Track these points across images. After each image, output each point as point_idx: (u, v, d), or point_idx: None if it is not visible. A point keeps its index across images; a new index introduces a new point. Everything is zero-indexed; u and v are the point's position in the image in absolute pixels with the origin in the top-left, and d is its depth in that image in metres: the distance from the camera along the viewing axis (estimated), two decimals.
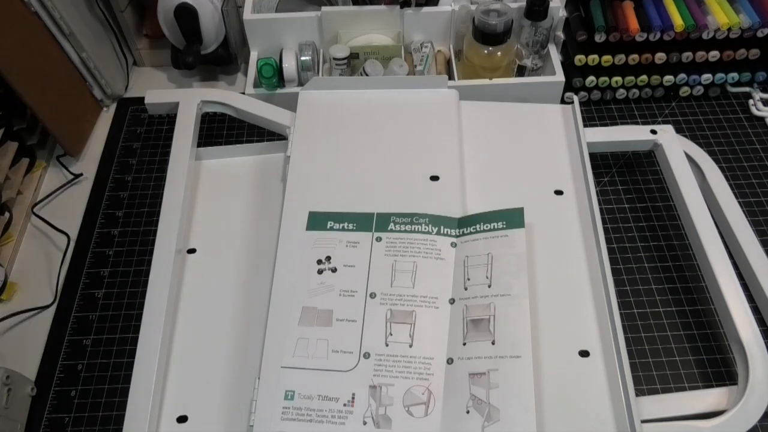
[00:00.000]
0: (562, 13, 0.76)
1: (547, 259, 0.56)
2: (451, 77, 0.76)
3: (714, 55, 0.75)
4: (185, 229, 0.61)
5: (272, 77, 0.72)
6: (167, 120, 0.80)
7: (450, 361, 0.49)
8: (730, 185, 0.64)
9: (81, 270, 0.67)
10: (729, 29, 0.72)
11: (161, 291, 0.54)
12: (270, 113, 0.66)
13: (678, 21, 0.72)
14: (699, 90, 0.79)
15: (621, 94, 0.79)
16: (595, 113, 0.80)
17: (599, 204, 0.66)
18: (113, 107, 0.82)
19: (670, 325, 0.61)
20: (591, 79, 0.77)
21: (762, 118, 0.79)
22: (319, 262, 0.54)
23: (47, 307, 0.64)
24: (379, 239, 0.55)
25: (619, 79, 0.77)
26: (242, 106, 0.66)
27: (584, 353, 0.51)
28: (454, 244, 0.55)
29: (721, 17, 0.72)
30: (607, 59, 0.75)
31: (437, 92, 0.66)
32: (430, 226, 0.56)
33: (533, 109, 0.67)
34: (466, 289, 0.52)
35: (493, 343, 0.49)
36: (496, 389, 0.47)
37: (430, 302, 0.52)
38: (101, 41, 0.79)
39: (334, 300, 0.52)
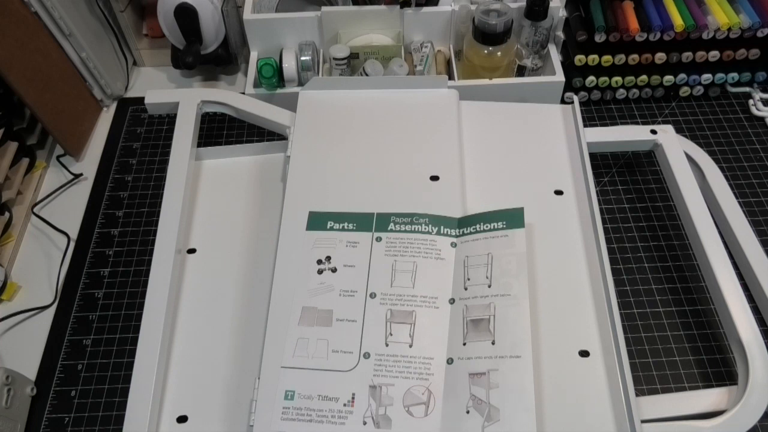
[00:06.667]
0: (562, 13, 0.76)
1: (547, 259, 0.56)
2: (451, 77, 0.76)
3: (714, 55, 0.75)
4: (185, 229, 0.61)
5: (272, 77, 0.72)
6: (167, 120, 0.80)
7: (450, 361, 0.49)
8: (730, 185, 0.64)
9: (81, 270, 0.67)
10: (729, 29, 0.72)
11: (161, 291, 0.54)
12: (270, 113, 0.66)
13: (678, 21, 0.72)
14: (699, 90, 0.79)
15: (621, 94, 0.79)
16: (595, 113, 0.80)
17: (599, 204, 0.66)
18: (113, 107, 0.82)
19: (670, 325, 0.61)
20: (591, 79, 0.77)
21: (762, 118, 0.79)
22: (319, 262, 0.54)
23: (47, 307, 0.64)
24: (379, 239, 0.55)
25: (619, 79, 0.77)
26: (242, 106, 0.66)
27: (584, 353, 0.51)
28: (454, 244, 0.55)
29: (721, 17, 0.72)
30: (607, 59, 0.75)
31: (437, 92, 0.66)
32: (430, 226, 0.56)
33: (533, 109, 0.67)
34: (466, 289, 0.52)
35: (493, 343, 0.49)
36: (496, 389, 0.47)
37: (430, 302, 0.52)
38: (101, 41, 0.79)
39: (334, 300, 0.52)
